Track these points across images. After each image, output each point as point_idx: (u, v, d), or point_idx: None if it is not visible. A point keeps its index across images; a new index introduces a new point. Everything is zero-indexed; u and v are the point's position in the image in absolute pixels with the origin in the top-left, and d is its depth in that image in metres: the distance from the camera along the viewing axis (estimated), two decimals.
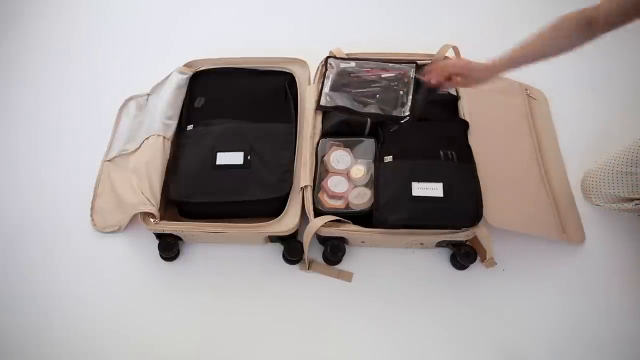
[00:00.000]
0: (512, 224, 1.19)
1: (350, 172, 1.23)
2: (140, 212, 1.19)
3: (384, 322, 1.16)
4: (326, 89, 1.36)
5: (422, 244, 1.22)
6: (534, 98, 1.45)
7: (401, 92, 1.35)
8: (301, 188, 1.20)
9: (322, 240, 1.22)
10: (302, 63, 1.46)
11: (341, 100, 1.34)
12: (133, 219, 1.26)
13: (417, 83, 1.36)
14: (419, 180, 1.14)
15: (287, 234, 1.18)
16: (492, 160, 1.26)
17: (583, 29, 0.95)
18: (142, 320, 1.18)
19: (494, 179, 1.21)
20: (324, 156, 1.26)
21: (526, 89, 1.46)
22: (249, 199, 1.19)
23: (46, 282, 1.24)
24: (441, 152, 1.19)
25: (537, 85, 1.49)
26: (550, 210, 1.25)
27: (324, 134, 1.30)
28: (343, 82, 1.38)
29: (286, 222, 1.17)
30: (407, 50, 1.43)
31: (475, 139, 1.24)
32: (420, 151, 1.21)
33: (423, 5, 1.79)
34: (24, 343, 1.15)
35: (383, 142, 1.25)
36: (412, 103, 1.32)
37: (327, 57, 1.43)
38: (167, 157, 1.29)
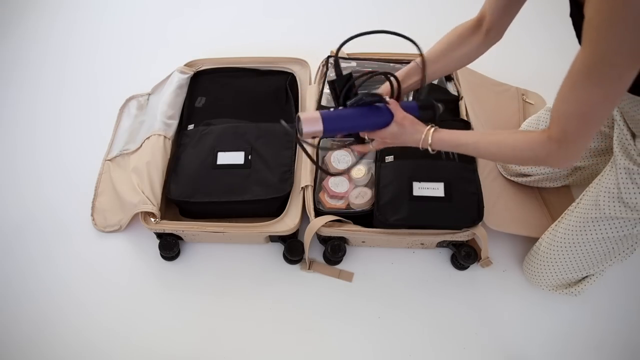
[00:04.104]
0: (509, 226, 1.19)
1: (350, 172, 1.23)
2: (141, 212, 1.19)
3: (384, 321, 1.16)
4: (327, 89, 1.36)
5: (422, 244, 1.22)
6: (530, 103, 1.45)
7: None
8: (302, 188, 1.20)
9: (323, 240, 1.22)
10: (303, 63, 1.46)
11: None
12: (134, 219, 1.26)
13: None
14: (419, 180, 1.14)
15: (287, 233, 1.18)
16: (489, 164, 1.28)
17: (475, 29, 0.95)
18: (142, 320, 1.17)
19: (491, 182, 1.23)
20: (324, 156, 1.26)
21: (523, 94, 1.47)
22: (249, 199, 1.19)
23: (46, 282, 1.23)
24: (442, 152, 1.19)
25: (537, 89, 1.49)
26: (543, 212, 1.25)
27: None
28: None
29: (287, 222, 1.17)
30: (408, 50, 1.42)
31: None
32: (421, 151, 1.20)
33: (424, 5, 1.80)
34: (24, 343, 1.15)
35: None
36: None
37: (328, 57, 1.43)
38: (168, 156, 1.29)
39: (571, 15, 0.79)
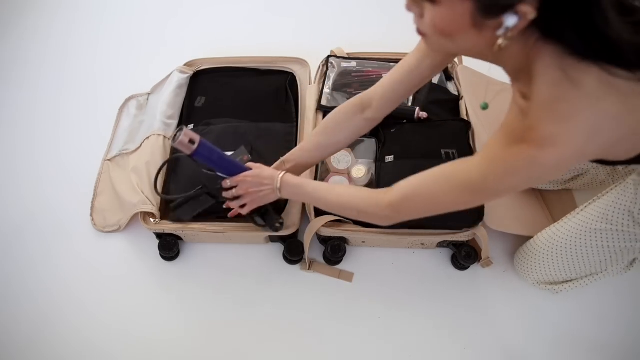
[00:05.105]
0: (510, 227, 1.19)
1: (351, 172, 1.23)
2: (141, 212, 1.19)
3: (384, 322, 1.16)
4: (327, 89, 1.36)
5: (423, 244, 1.22)
6: None
7: None
8: None
9: (323, 240, 1.22)
10: (303, 62, 1.46)
11: (342, 101, 1.33)
12: (133, 219, 1.26)
13: None
14: None
15: (287, 233, 1.17)
16: None
17: (357, 109, 1.02)
18: (141, 320, 1.17)
19: None
20: None
21: None
22: None
23: (46, 282, 1.23)
24: (443, 152, 1.19)
25: None
26: (544, 213, 1.25)
27: None
28: (344, 81, 1.38)
29: (286, 222, 1.17)
30: (408, 50, 1.42)
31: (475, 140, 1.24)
32: (421, 151, 1.20)
33: None
34: (24, 343, 1.15)
35: (384, 142, 1.25)
36: (412, 103, 1.31)
37: (328, 57, 1.43)
38: (168, 156, 1.29)
39: None
